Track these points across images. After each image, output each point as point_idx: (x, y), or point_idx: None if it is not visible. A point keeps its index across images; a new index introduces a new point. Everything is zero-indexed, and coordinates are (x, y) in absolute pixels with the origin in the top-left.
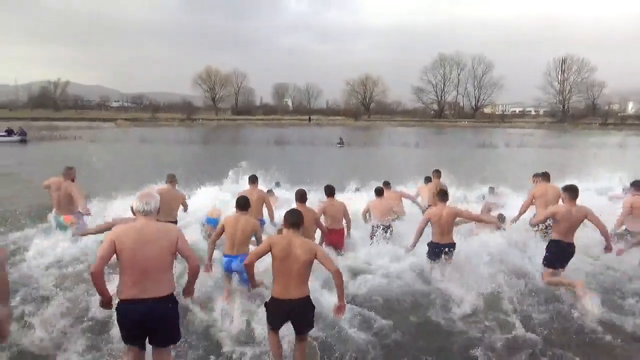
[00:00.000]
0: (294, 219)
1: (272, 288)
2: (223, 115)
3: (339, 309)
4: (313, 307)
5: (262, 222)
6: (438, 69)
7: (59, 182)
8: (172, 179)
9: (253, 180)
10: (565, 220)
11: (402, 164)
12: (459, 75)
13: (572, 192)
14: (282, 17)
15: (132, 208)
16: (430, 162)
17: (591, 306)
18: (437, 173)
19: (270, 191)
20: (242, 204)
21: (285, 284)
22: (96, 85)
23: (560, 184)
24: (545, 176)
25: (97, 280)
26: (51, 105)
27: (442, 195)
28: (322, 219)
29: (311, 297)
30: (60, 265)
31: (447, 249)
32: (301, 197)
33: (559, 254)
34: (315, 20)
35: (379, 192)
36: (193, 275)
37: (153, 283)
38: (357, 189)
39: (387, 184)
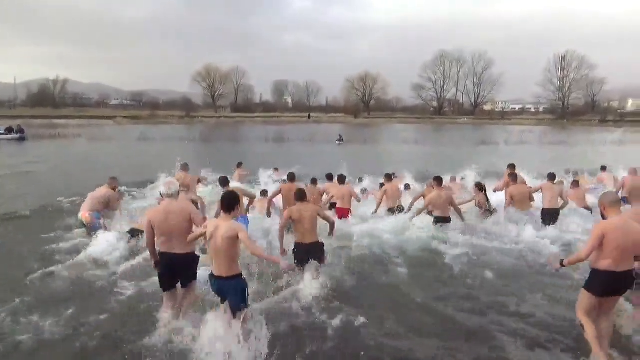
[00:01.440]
0: (300, 195)
1: (295, 237)
2: (222, 113)
3: (332, 233)
4: (323, 245)
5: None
6: (438, 65)
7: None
8: (185, 167)
9: (313, 181)
10: (435, 200)
11: (399, 160)
12: (458, 72)
13: (438, 181)
14: (284, 15)
15: (160, 192)
16: (427, 159)
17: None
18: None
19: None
20: (223, 181)
21: (302, 233)
22: (95, 83)
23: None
24: (512, 167)
25: (150, 248)
26: (50, 103)
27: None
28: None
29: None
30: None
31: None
32: (292, 179)
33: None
34: (318, 18)
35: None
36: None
37: (177, 243)
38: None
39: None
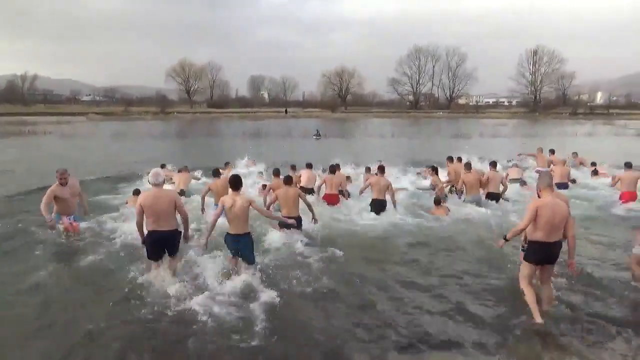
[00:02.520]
0: (287, 180)
1: (282, 212)
2: (198, 109)
3: (315, 221)
4: (301, 219)
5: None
6: (413, 60)
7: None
8: (185, 169)
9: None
10: (375, 185)
11: (376, 154)
12: (433, 66)
13: (381, 169)
14: (259, 9)
15: (148, 181)
16: (404, 152)
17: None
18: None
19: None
20: (216, 172)
21: (287, 209)
22: (66, 79)
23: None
24: (450, 159)
25: (139, 227)
26: (19, 99)
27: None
28: (324, 186)
29: None
30: None
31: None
32: (277, 172)
33: (376, 207)
34: (294, 12)
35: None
36: (185, 221)
37: (164, 222)
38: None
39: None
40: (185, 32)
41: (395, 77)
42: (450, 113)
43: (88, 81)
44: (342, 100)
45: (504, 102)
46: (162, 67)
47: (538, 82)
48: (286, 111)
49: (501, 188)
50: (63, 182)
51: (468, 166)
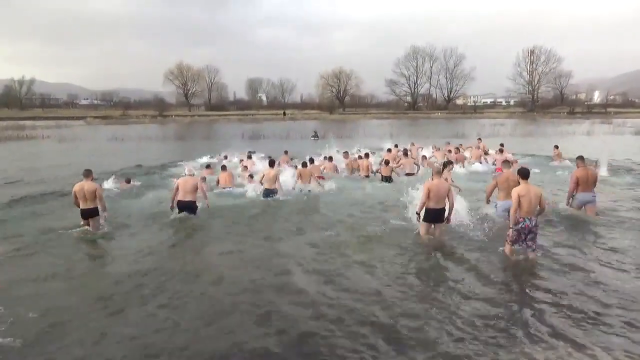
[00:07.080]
0: (270, 163)
1: (265, 185)
2: (196, 112)
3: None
4: (277, 190)
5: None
6: (411, 61)
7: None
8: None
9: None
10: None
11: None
12: (431, 67)
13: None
14: (259, 10)
15: (185, 171)
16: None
17: None
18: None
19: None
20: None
21: (269, 183)
22: (64, 83)
23: None
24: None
25: (173, 196)
26: (16, 104)
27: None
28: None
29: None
30: None
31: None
32: (271, 163)
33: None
34: (293, 13)
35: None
36: (204, 195)
37: (188, 195)
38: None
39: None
40: (183, 35)
41: (393, 79)
42: (449, 113)
43: (86, 85)
44: (340, 101)
45: (501, 102)
46: (160, 70)
47: (535, 82)
48: (284, 113)
49: (415, 169)
50: None
51: (405, 152)
